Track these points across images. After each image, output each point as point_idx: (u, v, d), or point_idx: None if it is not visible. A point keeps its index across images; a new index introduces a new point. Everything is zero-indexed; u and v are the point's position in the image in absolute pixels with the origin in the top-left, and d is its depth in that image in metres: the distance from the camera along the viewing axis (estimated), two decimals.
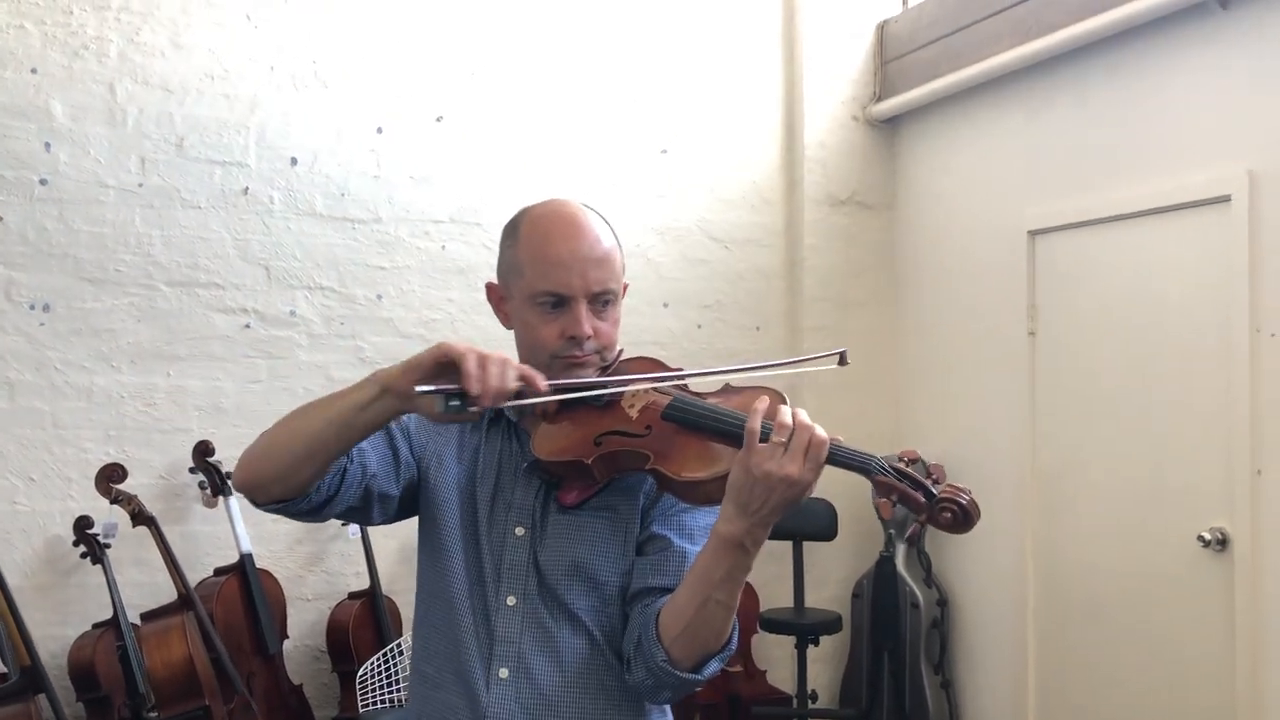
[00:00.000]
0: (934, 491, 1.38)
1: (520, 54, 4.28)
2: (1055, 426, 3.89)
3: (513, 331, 1.64)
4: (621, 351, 1.63)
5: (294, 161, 3.99)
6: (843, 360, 1.55)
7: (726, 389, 1.57)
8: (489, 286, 1.67)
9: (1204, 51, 3.33)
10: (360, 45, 4.07)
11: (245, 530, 3.72)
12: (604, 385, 1.54)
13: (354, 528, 3.92)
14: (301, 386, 3.97)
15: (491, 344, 4.50)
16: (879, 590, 4.36)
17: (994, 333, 4.13)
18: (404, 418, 1.62)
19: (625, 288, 1.63)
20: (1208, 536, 3.30)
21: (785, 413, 1.39)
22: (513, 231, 1.62)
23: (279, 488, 1.49)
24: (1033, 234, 3.96)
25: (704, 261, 4.57)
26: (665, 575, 1.54)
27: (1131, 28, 3.49)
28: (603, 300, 1.58)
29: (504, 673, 1.55)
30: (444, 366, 1.40)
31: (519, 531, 1.58)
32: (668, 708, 1.65)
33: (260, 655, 3.67)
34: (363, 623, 3.82)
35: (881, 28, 4.67)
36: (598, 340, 1.57)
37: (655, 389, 1.53)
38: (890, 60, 4.62)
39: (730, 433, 1.44)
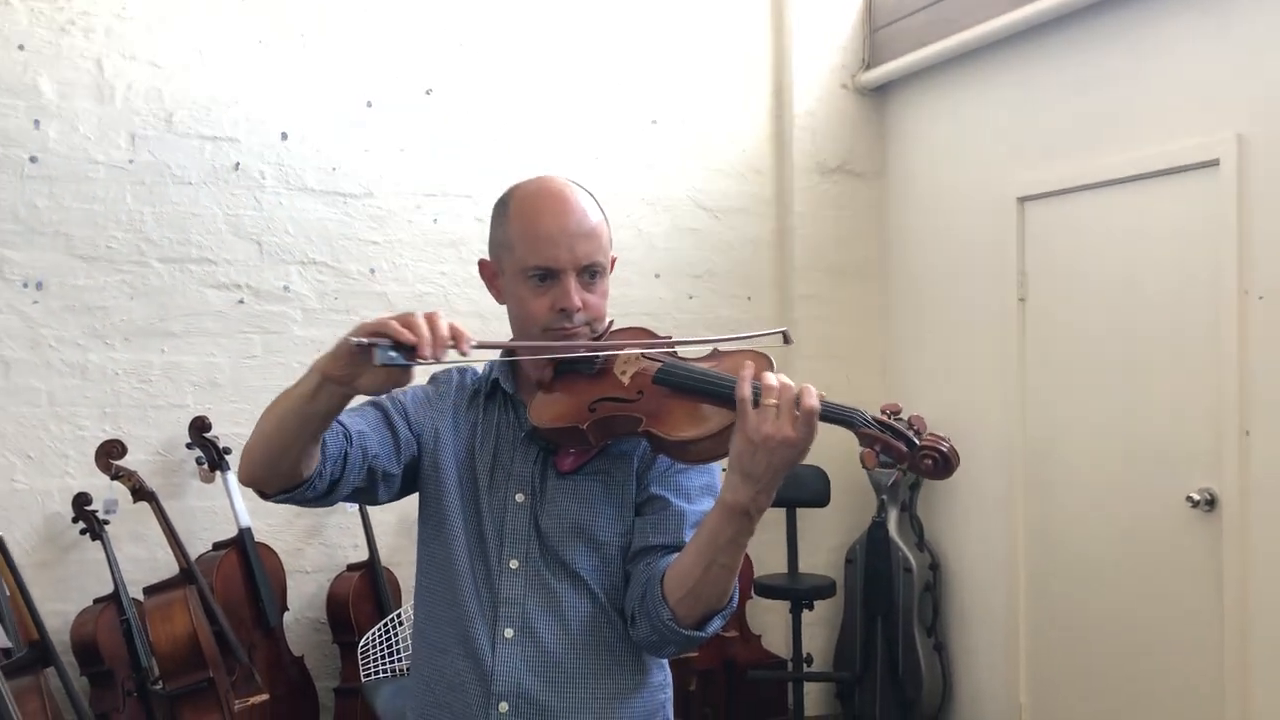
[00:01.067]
0: (915, 441, 1.43)
1: (509, 26, 4.27)
2: (1045, 391, 3.92)
3: (505, 307, 1.68)
4: (612, 323, 1.68)
5: (284, 136, 3.98)
6: (786, 339, 1.62)
7: (715, 354, 1.62)
8: (481, 263, 1.71)
9: (1192, 17, 3.35)
10: (348, 19, 4.06)
11: (243, 505, 3.74)
12: (536, 350, 1.60)
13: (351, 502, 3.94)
14: (296, 361, 3.98)
15: (486, 318, 4.54)
16: (871, 555, 4.41)
17: (984, 299, 4.16)
18: (400, 397, 1.67)
19: (613, 261, 1.68)
20: (1196, 497, 3.35)
21: (772, 377, 1.43)
22: (502, 209, 1.66)
23: (274, 481, 1.53)
24: (1022, 200, 3.98)
25: (695, 231, 4.58)
26: (665, 534, 1.60)
27: None
28: (591, 273, 1.62)
29: (509, 633, 1.60)
30: (374, 334, 1.38)
31: (519, 498, 1.63)
32: (666, 662, 1.71)
33: (261, 628, 3.71)
34: (362, 594, 3.85)
35: None
36: (587, 312, 1.61)
37: (645, 355, 1.58)
38: (879, 28, 4.62)
39: (720, 394, 1.48)
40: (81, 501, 3.55)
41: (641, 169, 4.48)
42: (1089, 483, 3.76)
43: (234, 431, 3.87)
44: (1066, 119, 3.80)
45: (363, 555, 3.96)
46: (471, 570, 1.63)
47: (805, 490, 4.21)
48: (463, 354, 1.41)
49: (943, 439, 1.44)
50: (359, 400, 1.56)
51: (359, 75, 4.07)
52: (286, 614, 3.87)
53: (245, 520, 3.72)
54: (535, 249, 1.59)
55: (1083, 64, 3.72)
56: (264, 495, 1.56)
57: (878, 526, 4.41)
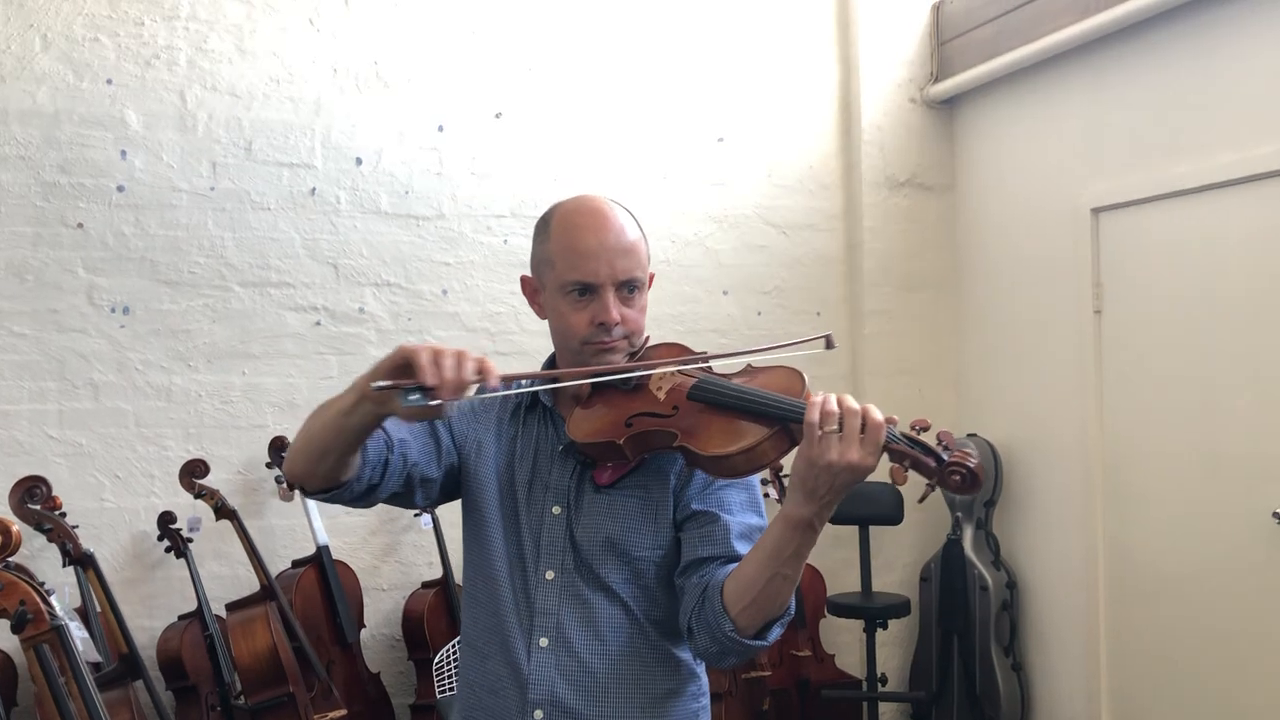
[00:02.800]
0: (944, 457, 1.45)
1: (576, 48, 4.32)
2: (1122, 406, 3.85)
3: (546, 321, 1.73)
4: (648, 338, 1.71)
5: (359, 161, 4.07)
6: (829, 344, 1.64)
7: (749, 370, 1.65)
8: (523, 279, 1.77)
9: (1265, 20, 3.27)
10: (420, 45, 4.14)
11: (321, 523, 3.82)
12: (555, 379, 1.66)
13: (426, 519, 4.00)
14: None
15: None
16: (947, 573, 4.35)
17: (1058, 312, 4.09)
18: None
19: (651, 277, 1.72)
20: None
21: (833, 401, 1.45)
22: (544, 227, 1.71)
23: (313, 480, 1.60)
24: (1095, 211, 3.92)
25: (763, 248, 4.58)
26: (715, 546, 1.63)
27: (1191, 0, 3.44)
28: (629, 288, 1.66)
29: (544, 642, 1.65)
30: (402, 367, 1.43)
31: (556, 510, 1.68)
32: (702, 672, 1.75)
33: (339, 644, 3.77)
34: (436, 611, 3.90)
35: (937, 8, 4.64)
36: (625, 326, 1.65)
37: (681, 371, 1.62)
38: (947, 40, 4.59)
39: (756, 410, 1.52)
40: (166, 520, 3.65)
41: (709, 186, 4.49)
42: (1169, 499, 3.67)
43: None
44: (1139, 128, 3.73)
45: (437, 573, 4.01)
46: (510, 579, 1.69)
47: (878, 508, 4.17)
48: (492, 389, 1.46)
49: (970, 454, 1.46)
50: None
51: (430, 100, 4.15)
52: (363, 631, 3.94)
53: (323, 538, 3.80)
54: (574, 264, 1.64)
55: (1154, 72, 3.66)
56: (304, 492, 1.65)
57: (953, 544, 4.35)
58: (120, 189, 3.82)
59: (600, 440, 1.60)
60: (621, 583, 1.66)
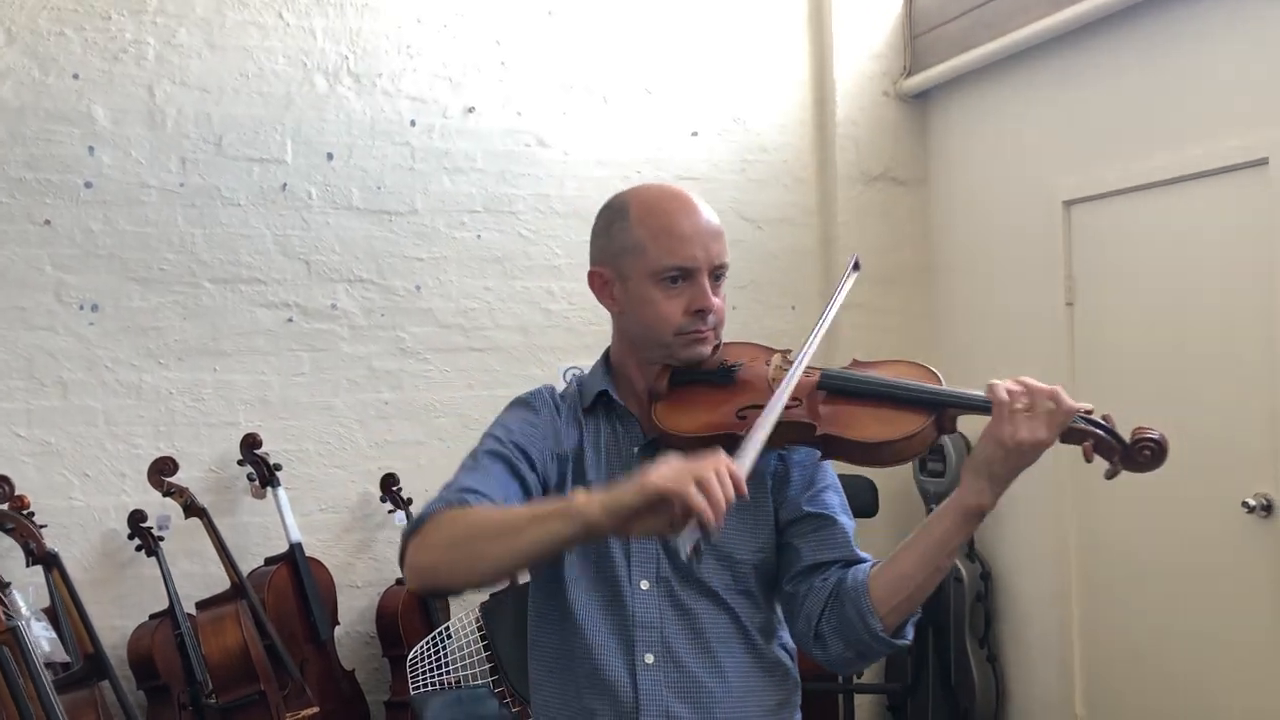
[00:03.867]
0: (1125, 437, 1.48)
1: (548, 41, 4.31)
2: (1095, 396, 3.82)
3: (615, 316, 1.64)
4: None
5: (330, 156, 4.04)
6: (856, 265, 1.69)
7: (855, 363, 1.62)
8: (592, 274, 1.66)
9: (1236, 13, 3.29)
10: (391, 39, 4.12)
11: (294, 520, 3.80)
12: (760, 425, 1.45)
13: (400, 515, 3.99)
14: (345, 378, 4.04)
15: (529, 333, 4.57)
16: None
17: (1031, 304, 4.11)
18: (519, 440, 1.60)
19: None
20: (1252, 503, 3.27)
21: (1021, 381, 1.44)
22: (619, 214, 1.62)
23: (456, 593, 1.54)
24: (1068, 204, 3.93)
25: (738, 242, 4.57)
26: (836, 549, 1.59)
27: None
28: (718, 274, 1.61)
29: (649, 658, 1.55)
30: (656, 505, 1.27)
31: None
32: (799, 678, 1.67)
33: (313, 642, 3.75)
34: (411, 608, 3.88)
35: (910, 2, 4.64)
36: (716, 315, 1.59)
37: (780, 366, 1.58)
38: (919, 34, 4.60)
39: (908, 399, 1.51)
40: (137, 519, 3.62)
41: (683, 181, 4.47)
42: (1142, 489, 3.65)
43: (284, 448, 3.93)
44: (1111, 121, 3.75)
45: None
46: (600, 597, 1.57)
47: (853, 500, 4.06)
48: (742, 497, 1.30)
49: (1152, 428, 1.47)
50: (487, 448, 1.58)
51: (402, 94, 4.13)
52: (338, 628, 3.92)
53: (296, 535, 3.78)
54: (672, 249, 1.56)
55: (1126, 65, 3.67)
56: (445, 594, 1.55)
57: None
58: (88, 185, 3.78)
59: (713, 434, 1.50)
60: (724, 588, 1.57)
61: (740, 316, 4.51)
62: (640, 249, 1.58)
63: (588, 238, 1.68)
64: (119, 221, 3.82)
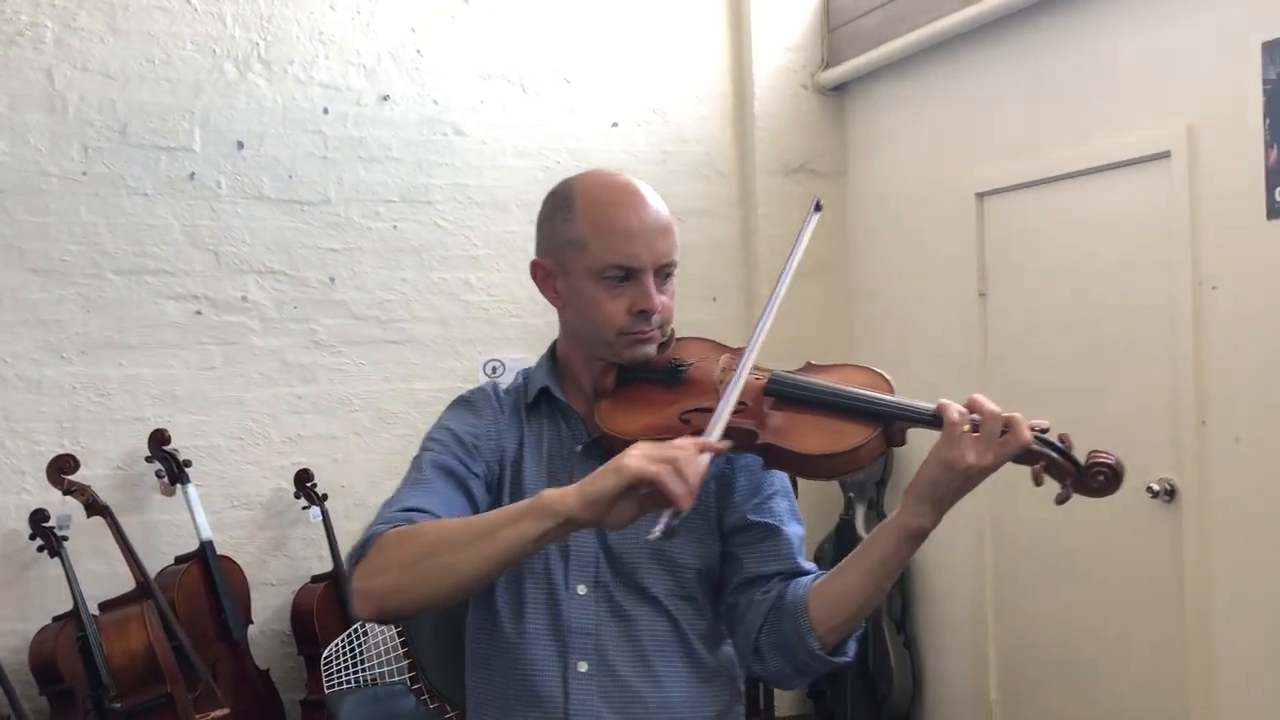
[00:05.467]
0: (1081, 460, 1.43)
1: (465, 30, 4.25)
2: (1007, 386, 3.93)
3: (559, 310, 1.59)
4: (673, 331, 1.59)
5: (240, 145, 3.95)
6: (818, 206, 1.62)
7: (809, 367, 1.55)
8: (535, 264, 1.59)
9: (1140, 11, 3.36)
10: (304, 26, 4.03)
11: (205, 518, 3.71)
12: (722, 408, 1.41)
13: (315, 511, 3.91)
14: (256, 371, 3.96)
15: (448, 325, 4.51)
16: (840, 553, 4.36)
17: (945, 295, 4.17)
18: (458, 437, 1.55)
19: None
20: (1156, 488, 3.36)
21: (985, 403, 1.38)
22: (565, 204, 1.55)
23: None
24: (981, 196, 3.99)
25: None
26: (779, 561, 1.53)
27: None
28: (665, 273, 1.54)
29: (583, 666, 1.49)
30: (632, 489, 1.25)
31: None
32: (743, 691, 1.63)
33: (225, 641, 3.67)
34: (326, 605, 3.82)
35: None
36: (662, 315, 1.53)
37: (728, 366, 1.51)
38: (837, 27, 4.63)
39: (856, 409, 1.44)
40: (39, 518, 3.51)
41: None
42: None
43: (193, 444, 3.84)
44: (1022, 114, 3.81)
45: (327, 566, 3.93)
46: (531, 600, 1.51)
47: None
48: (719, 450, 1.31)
49: (1108, 453, 1.42)
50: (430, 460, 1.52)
51: (315, 82, 4.04)
52: (251, 627, 3.83)
53: (207, 533, 3.69)
54: (614, 246, 1.49)
55: (1036, 59, 3.74)
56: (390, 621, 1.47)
57: (845, 524, 4.41)
58: None
59: (654, 436, 1.41)
60: (666, 593, 1.52)
61: None
62: (583, 244, 1.51)
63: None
64: (16, 211, 3.69)
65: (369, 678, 3.49)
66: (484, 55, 4.27)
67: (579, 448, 1.56)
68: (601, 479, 1.26)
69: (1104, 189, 3.53)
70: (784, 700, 4.58)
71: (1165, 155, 3.28)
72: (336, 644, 3.56)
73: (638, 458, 1.24)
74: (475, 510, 1.49)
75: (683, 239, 4.79)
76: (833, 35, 4.65)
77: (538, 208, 1.62)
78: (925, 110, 4.26)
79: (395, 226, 4.15)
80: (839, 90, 4.68)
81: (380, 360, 4.12)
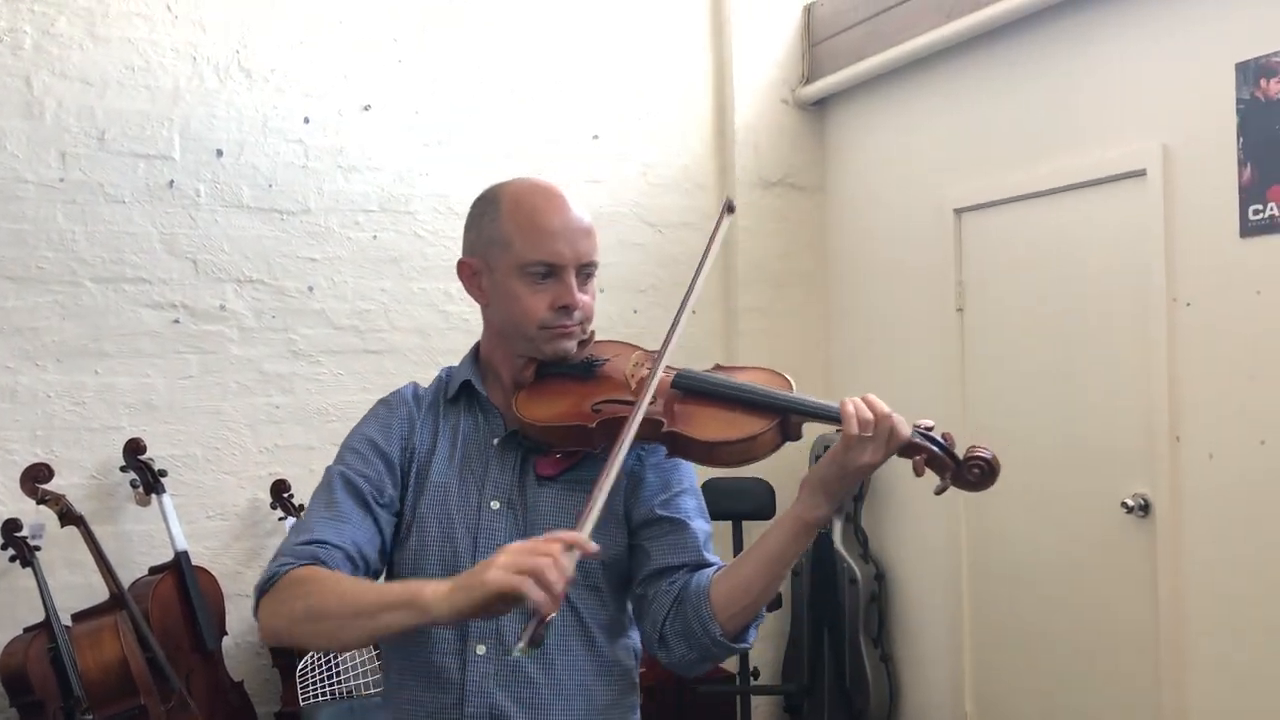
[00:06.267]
0: (959, 454, 1.51)
1: (448, 41, 4.26)
2: (983, 400, 3.96)
3: (483, 308, 1.67)
4: (593, 332, 1.67)
5: (219, 153, 3.93)
6: (730, 207, 1.69)
7: (718, 368, 1.65)
8: (461, 264, 1.68)
9: (1117, 30, 3.41)
10: (285, 34, 4.02)
11: (180, 529, 3.68)
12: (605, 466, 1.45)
13: (291, 521, 3.89)
14: (234, 381, 3.93)
15: (427, 335, 4.52)
16: (817, 567, 4.42)
17: (923, 310, 4.19)
18: (370, 441, 1.64)
19: None
20: (1131, 502, 3.39)
21: (881, 406, 1.47)
22: (491, 206, 1.63)
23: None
24: (958, 212, 4.03)
25: (639, 245, 4.58)
26: (684, 554, 1.60)
27: (1048, 7, 3.56)
28: (586, 272, 1.63)
29: (481, 649, 1.55)
30: (497, 600, 1.28)
31: (495, 505, 1.60)
32: (638, 680, 1.70)
33: (199, 652, 3.64)
34: None
35: (808, 10, 4.71)
36: (582, 311, 1.62)
37: (646, 365, 1.61)
38: (817, 43, 4.66)
39: (754, 402, 1.55)
40: (11, 528, 3.46)
41: (584, 184, 4.47)
42: (1028, 490, 3.79)
43: (169, 454, 3.81)
44: (1000, 131, 3.85)
45: None
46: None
47: (750, 502, 4.21)
48: (589, 551, 1.33)
49: (985, 447, 1.52)
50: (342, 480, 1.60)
51: (296, 91, 4.03)
52: (226, 638, 3.80)
53: (182, 544, 3.66)
54: (537, 244, 1.58)
55: (1014, 77, 3.78)
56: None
57: (823, 538, 4.42)
58: None
59: (565, 424, 1.55)
60: (570, 583, 1.56)
61: (641, 320, 4.53)
62: (507, 242, 1.60)
63: None
64: None
65: (344, 690, 3.47)
66: (465, 66, 4.28)
67: (496, 441, 1.63)
68: (466, 592, 1.29)
69: (1080, 206, 3.57)
70: (761, 714, 4.59)
71: (1141, 173, 3.31)
72: (312, 656, 3.53)
73: (500, 570, 1.26)
74: (379, 532, 1.58)
75: (663, 251, 4.83)
76: (813, 51, 4.68)
77: None
78: (904, 126, 4.29)
79: (375, 236, 4.15)
80: (819, 105, 4.71)
81: (359, 370, 4.11)
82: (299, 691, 3.44)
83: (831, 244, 4.73)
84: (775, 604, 4.23)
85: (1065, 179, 3.59)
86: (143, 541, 3.80)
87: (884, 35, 4.25)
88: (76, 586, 3.63)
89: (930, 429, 1.52)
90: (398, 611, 1.36)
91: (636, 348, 1.68)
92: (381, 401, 1.73)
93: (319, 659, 3.55)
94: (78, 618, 3.33)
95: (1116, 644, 3.50)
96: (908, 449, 1.50)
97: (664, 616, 1.55)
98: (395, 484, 1.63)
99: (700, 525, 1.63)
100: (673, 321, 1.60)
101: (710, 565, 1.60)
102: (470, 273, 1.67)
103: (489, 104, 4.31)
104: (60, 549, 3.62)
